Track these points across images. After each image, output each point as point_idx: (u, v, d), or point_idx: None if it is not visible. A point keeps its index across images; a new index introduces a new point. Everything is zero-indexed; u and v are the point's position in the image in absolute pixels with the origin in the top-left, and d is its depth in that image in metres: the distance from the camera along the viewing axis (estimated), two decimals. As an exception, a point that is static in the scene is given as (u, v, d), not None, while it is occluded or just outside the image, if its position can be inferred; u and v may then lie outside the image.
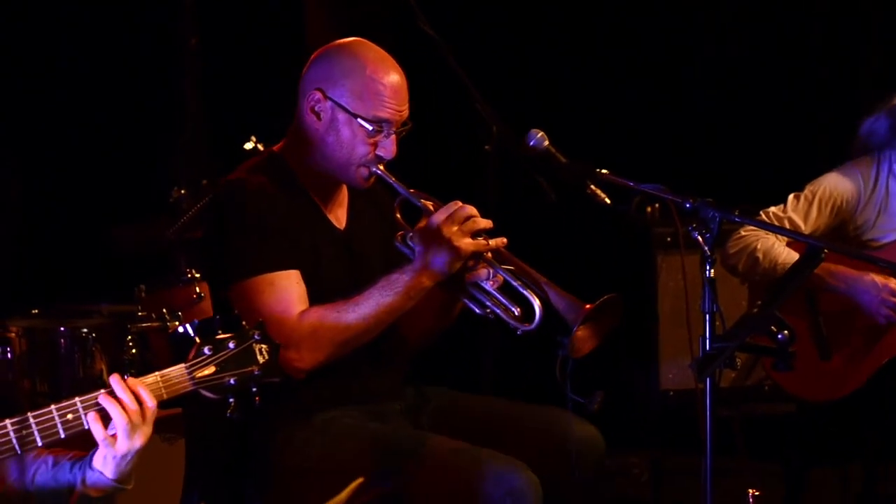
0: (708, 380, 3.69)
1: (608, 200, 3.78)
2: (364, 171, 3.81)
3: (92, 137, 6.17)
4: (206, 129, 6.03)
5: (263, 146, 4.38)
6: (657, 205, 6.16)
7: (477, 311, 3.74)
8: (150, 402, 3.14)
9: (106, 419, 3.12)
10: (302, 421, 3.77)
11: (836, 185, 4.98)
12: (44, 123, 6.14)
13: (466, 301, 3.75)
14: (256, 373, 3.23)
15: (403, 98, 3.81)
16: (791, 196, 4.98)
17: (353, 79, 3.77)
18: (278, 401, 3.68)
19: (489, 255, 3.69)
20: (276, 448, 3.76)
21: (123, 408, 3.11)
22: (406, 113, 3.82)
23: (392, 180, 3.80)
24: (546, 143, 3.87)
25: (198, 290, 5.15)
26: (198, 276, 5.19)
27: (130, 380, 3.14)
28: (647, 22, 6.86)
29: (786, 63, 6.87)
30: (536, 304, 3.60)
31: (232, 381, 3.21)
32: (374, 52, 3.83)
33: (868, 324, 4.88)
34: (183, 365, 3.19)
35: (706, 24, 6.96)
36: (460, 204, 3.67)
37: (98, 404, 3.12)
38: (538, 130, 3.88)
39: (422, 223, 3.71)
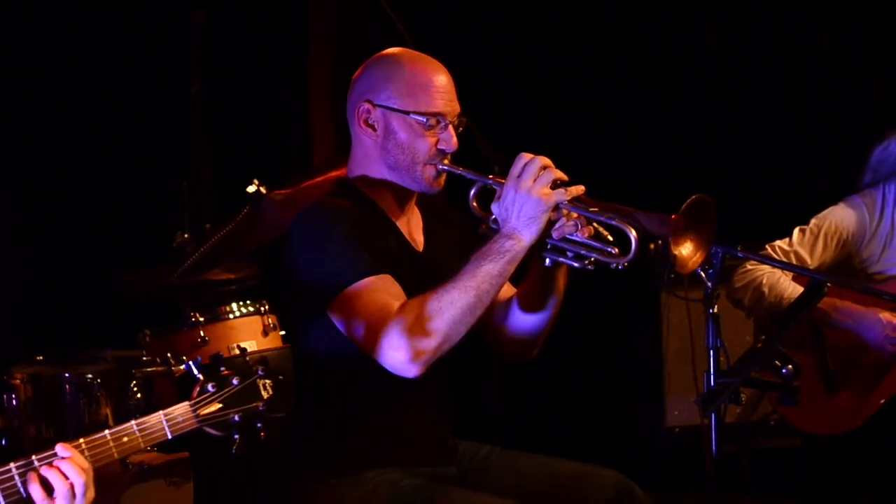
0: (713, 415, 3.69)
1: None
2: (431, 170, 3.75)
3: (96, 184, 6.19)
4: (209, 174, 6.04)
5: (266, 189, 4.38)
6: (659, 241, 6.15)
7: (576, 265, 3.64)
8: (85, 465, 3.12)
9: (47, 486, 3.11)
10: (353, 476, 3.72)
11: (841, 218, 4.99)
12: (49, 170, 6.16)
13: (563, 259, 3.65)
14: (261, 408, 3.22)
15: (451, 89, 3.76)
16: (797, 230, 4.98)
17: (396, 80, 3.74)
18: (338, 456, 3.71)
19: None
20: (320, 499, 3.72)
21: (64, 477, 3.10)
22: (457, 106, 3.78)
23: (461, 170, 3.74)
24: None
25: (202, 333, 5.16)
26: (202, 319, 5.20)
27: (60, 447, 3.12)
28: (652, 44, 6.86)
29: (794, 93, 6.87)
30: (632, 234, 3.51)
31: (236, 418, 3.20)
32: (410, 53, 3.82)
33: (875, 358, 4.88)
34: (187, 403, 3.18)
35: (711, 47, 6.97)
36: (528, 156, 3.60)
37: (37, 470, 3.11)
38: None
39: (499, 193, 3.62)
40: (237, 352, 5.08)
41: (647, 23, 6.86)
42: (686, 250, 3.60)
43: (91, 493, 3.13)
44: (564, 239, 3.64)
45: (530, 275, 3.81)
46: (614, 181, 6.50)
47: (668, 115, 6.84)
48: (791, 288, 4.88)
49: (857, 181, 5.09)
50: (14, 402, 4.95)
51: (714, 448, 3.70)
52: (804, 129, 6.85)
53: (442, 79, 3.76)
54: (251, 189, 4.44)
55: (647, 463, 6.12)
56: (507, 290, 3.87)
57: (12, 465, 3.10)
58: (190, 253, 5.12)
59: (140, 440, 3.18)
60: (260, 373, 3.23)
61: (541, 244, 3.64)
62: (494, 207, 3.64)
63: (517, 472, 3.90)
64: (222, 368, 3.21)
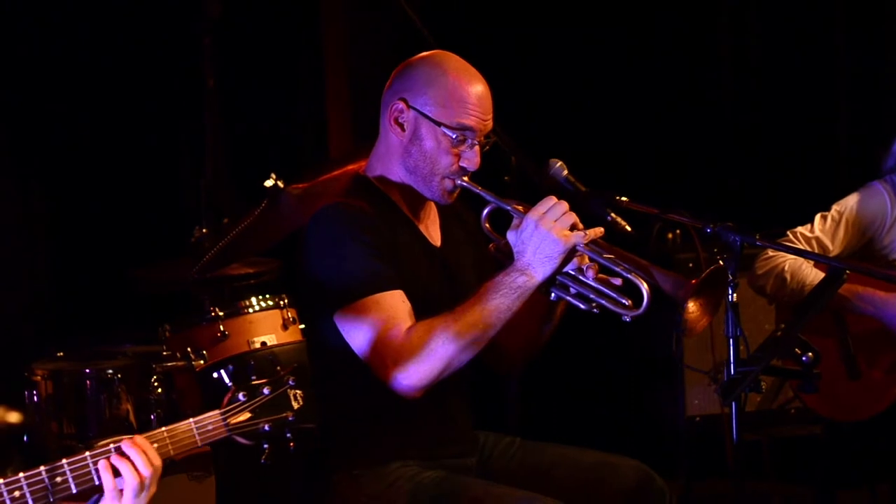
0: (734, 404, 3.68)
1: (629, 228, 3.77)
2: (448, 184, 3.76)
3: (115, 179, 6.20)
4: (226, 169, 6.05)
5: (283, 183, 4.39)
6: (678, 231, 6.15)
7: (582, 306, 3.65)
8: (157, 462, 3.13)
9: (116, 471, 3.11)
10: (376, 468, 3.74)
11: (862, 205, 4.97)
12: (68, 166, 6.17)
13: (570, 299, 3.66)
14: (291, 419, 3.23)
15: (488, 107, 3.76)
16: (818, 216, 4.97)
17: (435, 87, 3.73)
18: (360, 449, 3.73)
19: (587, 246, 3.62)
20: (343, 490, 3.74)
21: (136, 469, 3.10)
22: (490, 124, 3.78)
23: (479, 189, 3.75)
24: (565, 172, 3.87)
25: (222, 328, 5.16)
26: (221, 314, 5.21)
27: (139, 440, 3.13)
28: (667, 43, 6.86)
29: (811, 82, 6.86)
30: (644, 287, 3.52)
31: (266, 428, 3.21)
32: (456, 62, 3.80)
33: (897, 344, 4.88)
34: (218, 411, 3.19)
35: (728, 35, 6.96)
36: (555, 199, 3.61)
37: (109, 458, 3.11)
38: (557, 160, 3.88)
39: (517, 222, 3.64)
40: (258, 346, 5.12)
41: (662, 12, 6.85)
42: (693, 314, 3.61)
43: (154, 489, 3.13)
44: (575, 279, 3.65)
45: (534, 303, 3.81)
46: (636, 171, 6.54)
47: (687, 102, 6.84)
48: (813, 274, 4.87)
49: (879, 167, 5.08)
50: (35, 398, 4.96)
51: (735, 436, 3.70)
52: (825, 115, 6.83)
53: (481, 93, 3.76)
54: (269, 183, 4.44)
55: (668, 452, 6.12)
56: None
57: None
58: (209, 248, 5.12)
59: (170, 447, 3.18)
60: (290, 383, 3.23)
61: (550, 279, 3.65)
62: (511, 235, 3.64)
63: (539, 462, 3.91)
64: (253, 377, 3.22)
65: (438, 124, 3.72)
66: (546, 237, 3.56)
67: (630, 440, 5.04)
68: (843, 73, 6.82)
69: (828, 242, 4.93)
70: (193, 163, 6.12)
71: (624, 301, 3.57)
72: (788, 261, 4.91)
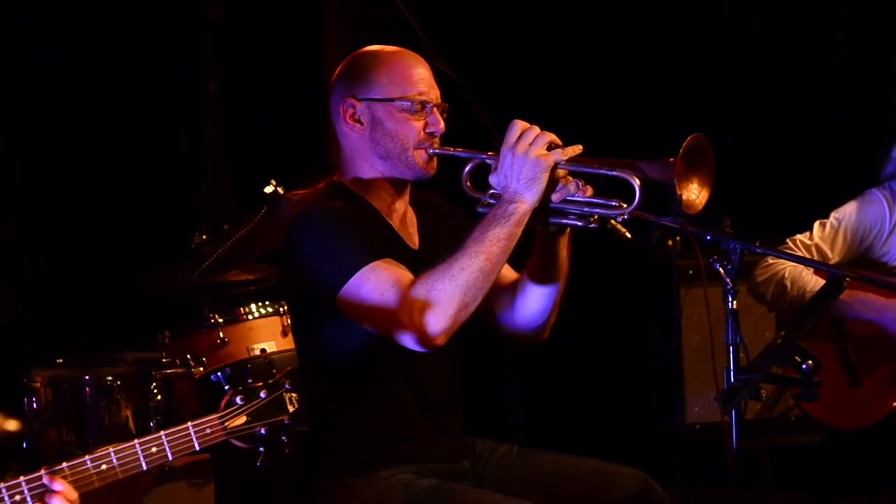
0: (733, 412, 3.68)
1: (629, 235, 3.76)
2: (423, 154, 3.77)
3: (114, 184, 6.20)
4: (227, 175, 6.05)
5: (283, 190, 4.39)
6: (678, 237, 6.14)
7: (580, 224, 3.65)
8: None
9: None
10: (368, 475, 3.73)
11: (861, 212, 4.98)
12: (67, 171, 6.16)
13: (567, 221, 3.67)
14: (287, 422, 3.25)
15: (430, 77, 3.81)
16: (817, 223, 4.98)
17: (376, 71, 3.78)
18: (352, 455, 3.72)
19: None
20: (336, 499, 3.73)
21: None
22: (438, 92, 3.81)
23: (452, 150, 3.76)
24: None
25: (221, 335, 5.16)
26: (220, 321, 5.21)
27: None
28: (667, 43, 6.86)
29: (811, 82, 6.86)
30: (636, 181, 3.53)
31: (263, 431, 3.23)
32: (386, 47, 3.85)
33: (897, 351, 4.87)
34: (216, 415, 3.20)
35: (728, 40, 6.96)
36: (522, 122, 3.63)
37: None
38: (557, 167, 3.87)
39: (494, 164, 3.64)
40: (257, 353, 5.11)
41: (662, 12, 6.85)
42: (692, 193, 3.61)
43: None
44: (566, 201, 3.65)
45: (534, 250, 3.81)
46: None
47: (684, 109, 6.83)
48: (814, 281, 4.87)
49: (877, 173, 5.08)
50: (34, 405, 4.96)
51: (734, 444, 3.69)
52: (823, 123, 6.82)
53: (421, 68, 3.81)
54: (269, 189, 4.45)
55: (668, 460, 6.12)
56: (511, 274, 3.90)
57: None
58: (208, 254, 5.13)
59: (168, 451, 3.19)
60: (287, 386, 3.25)
61: (543, 210, 3.65)
62: (492, 179, 3.65)
63: (536, 470, 3.90)
64: (250, 381, 3.24)
65: (392, 100, 3.75)
66: (525, 160, 3.57)
67: (630, 447, 5.03)
68: (844, 77, 6.82)
69: (827, 250, 4.93)
70: (194, 168, 6.12)
71: (613, 203, 3.59)
72: (788, 268, 4.91)
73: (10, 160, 6.06)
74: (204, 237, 5.46)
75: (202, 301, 5.37)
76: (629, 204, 3.57)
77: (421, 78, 3.79)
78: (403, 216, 3.91)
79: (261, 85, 6.48)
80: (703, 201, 3.61)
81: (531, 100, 6.61)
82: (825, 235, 4.95)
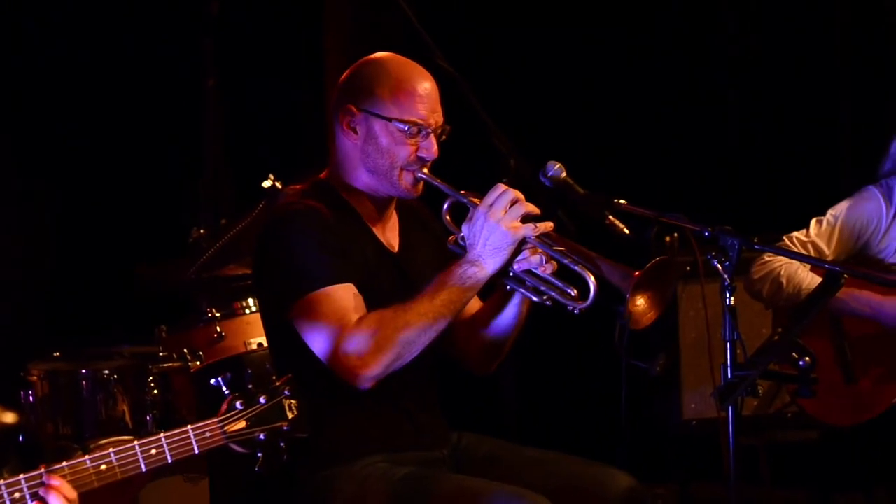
0: (730, 408, 3.68)
1: (627, 231, 3.76)
2: (409, 177, 3.78)
3: (112, 179, 6.20)
4: (225, 170, 6.05)
5: (281, 184, 4.39)
6: (676, 234, 6.14)
7: (534, 298, 3.68)
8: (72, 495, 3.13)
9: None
10: (342, 467, 3.74)
11: (858, 209, 4.98)
12: (66, 166, 6.17)
13: (522, 290, 3.70)
14: (286, 428, 3.26)
15: (435, 98, 3.80)
16: (813, 220, 4.98)
17: (382, 86, 3.77)
18: (322, 448, 3.72)
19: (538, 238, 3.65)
20: (316, 493, 3.74)
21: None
22: (441, 116, 3.80)
23: (438, 182, 3.77)
24: (563, 174, 3.87)
25: (218, 329, 5.16)
26: (218, 315, 5.20)
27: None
28: (665, 46, 6.86)
29: (811, 83, 6.86)
30: (591, 280, 3.54)
31: (262, 437, 3.24)
32: (398, 59, 3.84)
33: (894, 347, 4.86)
34: (216, 419, 3.21)
35: (728, 37, 6.96)
36: (503, 188, 3.64)
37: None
38: (555, 162, 3.88)
39: (470, 214, 3.67)
40: (254, 347, 5.11)
41: (662, 12, 6.85)
42: (640, 307, 3.63)
43: None
44: (527, 271, 3.68)
45: (493, 295, 3.85)
46: (635, 173, 6.53)
47: (684, 107, 6.84)
48: (809, 278, 4.87)
49: (875, 171, 5.08)
50: (31, 398, 4.96)
51: (731, 441, 3.69)
52: (821, 120, 6.83)
53: (427, 87, 3.79)
54: (267, 184, 4.46)
55: (664, 456, 6.12)
56: (475, 304, 3.93)
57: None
58: (206, 248, 5.13)
59: (167, 454, 3.20)
60: (286, 393, 3.27)
61: (503, 271, 3.68)
62: (464, 227, 3.68)
63: (521, 466, 3.90)
64: (250, 386, 3.24)
65: (390, 120, 3.75)
66: (495, 229, 3.61)
67: (626, 444, 5.03)
68: (843, 75, 6.82)
69: (823, 246, 4.93)
70: (192, 163, 6.12)
71: (571, 292, 3.60)
72: (784, 265, 4.91)
73: (9, 155, 6.07)
74: (202, 231, 5.47)
75: (199, 295, 5.37)
76: (585, 295, 3.57)
77: (424, 101, 3.77)
78: (386, 222, 3.92)
79: (259, 80, 6.48)
80: (649, 321, 3.65)
81: (531, 99, 6.63)
82: (821, 232, 4.95)
